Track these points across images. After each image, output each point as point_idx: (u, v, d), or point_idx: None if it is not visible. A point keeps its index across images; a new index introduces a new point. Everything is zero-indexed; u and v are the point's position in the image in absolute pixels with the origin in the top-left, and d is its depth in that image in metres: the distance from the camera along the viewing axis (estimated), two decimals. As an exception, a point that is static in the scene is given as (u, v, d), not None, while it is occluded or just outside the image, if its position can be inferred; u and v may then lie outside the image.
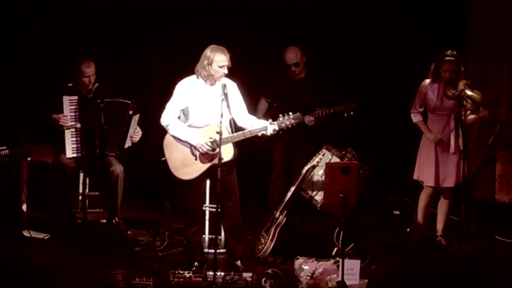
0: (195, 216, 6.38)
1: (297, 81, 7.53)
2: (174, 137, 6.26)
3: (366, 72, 8.75)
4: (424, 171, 7.13)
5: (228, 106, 6.19)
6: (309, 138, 7.39)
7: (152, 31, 8.71)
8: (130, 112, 7.13)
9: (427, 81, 7.12)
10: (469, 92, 6.98)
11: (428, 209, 7.25)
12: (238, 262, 6.45)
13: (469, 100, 6.95)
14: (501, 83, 8.44)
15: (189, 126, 6.26)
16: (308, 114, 7.25)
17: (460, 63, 6.98)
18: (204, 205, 6.66)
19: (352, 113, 7.23)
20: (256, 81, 7.83)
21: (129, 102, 7.13)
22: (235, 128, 6.32)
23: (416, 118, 7.19)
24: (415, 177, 7.23)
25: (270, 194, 7.67)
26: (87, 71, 7.15)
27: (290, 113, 6.29)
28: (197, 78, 6.26)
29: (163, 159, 6.35)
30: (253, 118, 6.42)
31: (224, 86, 6.13)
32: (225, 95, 6.16)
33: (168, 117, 6.26)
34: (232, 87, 6.35)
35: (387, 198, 8.72)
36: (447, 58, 6.97)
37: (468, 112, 7.07)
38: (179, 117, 6.31)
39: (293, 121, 6.30)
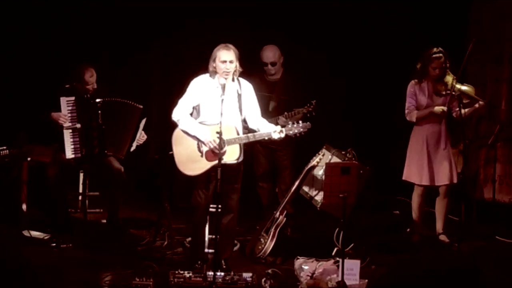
0: (204, 215, 6.39)
1: (273, 82, 7.48)
2: (183, 131, 6.29)
3: (366, 72, 8.75)
4: (415, 171, 7.11)
5: (240, 106, 6.26)
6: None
7: (153, 32, 8.71)
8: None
9: (414, 82, 7.12)
10: (463, 87, 6.99)
11: (423, 208, 7.25)
12: (222, 262, 6.41)
13: (460, 94, 6.95)
14: (501, 83, 8.43)
15: (200, 123, 6.29)
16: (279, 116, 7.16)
17: (446, 59, 6.99)
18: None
19: (314, 114, 7.08)
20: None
21: (141, 107, 7.15)
22: (248, 130, 6.34)
23: (413, 114, 7.11)
24: (404, 178, 7.21)
25: (262, 198, 7.61)
26: (90, 80, 7.16)
27: (300, 122, 6.26)
28: (210, 76, 6.31)
29: (170, 153, 6.36)
30: (264, 121, 6.40)
31: (224, 86, 6.15)
32: (239, 96, 6.25)
33: (179, 112, 6.30)
34: (247, 88, 6.39)
35: (381, 198, 8.71)
36: (435, 55, 6.98)
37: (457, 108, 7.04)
38: (192, 114, 6.35)
39: (301, 129, 6.25)
